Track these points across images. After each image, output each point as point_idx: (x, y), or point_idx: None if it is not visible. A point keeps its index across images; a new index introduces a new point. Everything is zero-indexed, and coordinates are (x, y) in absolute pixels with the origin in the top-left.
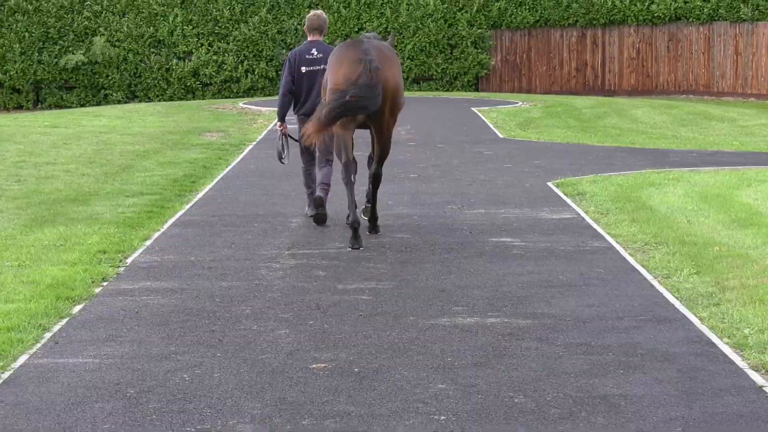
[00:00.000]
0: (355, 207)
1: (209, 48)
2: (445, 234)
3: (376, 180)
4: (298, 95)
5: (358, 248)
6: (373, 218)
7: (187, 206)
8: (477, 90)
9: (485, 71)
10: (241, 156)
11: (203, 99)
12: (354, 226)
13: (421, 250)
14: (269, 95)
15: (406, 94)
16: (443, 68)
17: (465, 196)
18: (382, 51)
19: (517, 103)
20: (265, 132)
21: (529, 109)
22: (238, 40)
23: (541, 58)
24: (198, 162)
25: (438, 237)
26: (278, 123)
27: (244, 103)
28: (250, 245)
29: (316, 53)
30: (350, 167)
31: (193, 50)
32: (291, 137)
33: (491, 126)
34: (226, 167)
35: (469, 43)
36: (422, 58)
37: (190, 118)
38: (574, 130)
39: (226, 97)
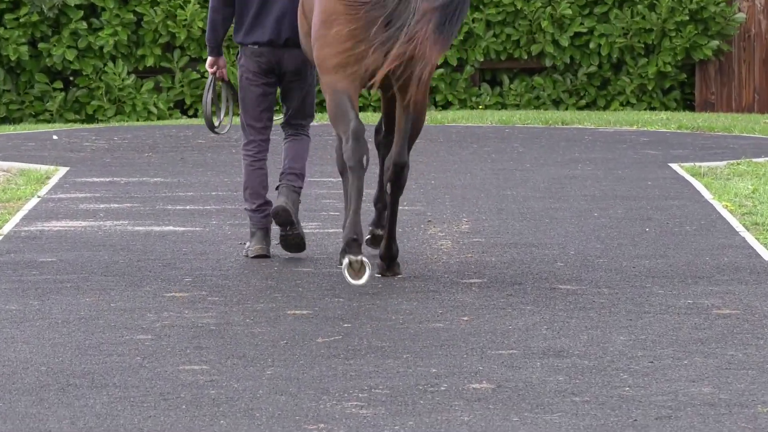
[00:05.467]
0: (357, 211)
1: None
2: None
3: (397, 175)
4: (243, 8)
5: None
6: (388, 253)
7: None
8: (689, 105)
9: (714, 46)
10: None
11: None
12: (351, 238)
13: None
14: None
15: (450, 114)
16: (575, 42)
17: None
18: None
19: None
20: (9, 227)
21: None
22: None
23: None
24: None
25: None
26: (209, 60)
27: None
28: None
29: None
30: (361, 140)
31: None
32: (231, 87)
33: (735, 224)
34: None
35: None
36: (507, 8)
37: None
38: None
39: None
